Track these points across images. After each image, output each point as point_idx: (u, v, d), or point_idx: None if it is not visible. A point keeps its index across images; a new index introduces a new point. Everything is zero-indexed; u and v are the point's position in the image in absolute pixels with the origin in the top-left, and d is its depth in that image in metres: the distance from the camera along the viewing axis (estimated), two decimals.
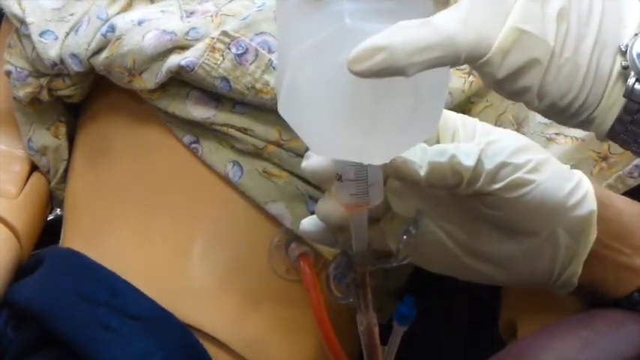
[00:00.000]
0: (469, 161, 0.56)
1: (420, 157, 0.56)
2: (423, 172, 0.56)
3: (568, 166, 0.60)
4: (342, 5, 0.48)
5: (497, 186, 0.56)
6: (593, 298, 0.65)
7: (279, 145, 0.74)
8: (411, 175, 0.56)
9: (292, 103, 0.50)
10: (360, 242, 0.58)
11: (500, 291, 0.78)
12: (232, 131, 0.74)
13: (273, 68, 0.73)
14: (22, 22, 0.81)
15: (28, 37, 0.80)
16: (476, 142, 0.58)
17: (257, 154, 0.75)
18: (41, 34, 0.79)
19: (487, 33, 0.48)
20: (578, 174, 0.60)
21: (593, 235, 0.60)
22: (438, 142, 0.59)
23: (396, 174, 0.56)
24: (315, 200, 0.75)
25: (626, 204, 0.63)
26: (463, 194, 0.57)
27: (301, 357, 0.76)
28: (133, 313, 0.72)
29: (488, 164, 0.56)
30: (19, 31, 0.82)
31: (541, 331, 0.66)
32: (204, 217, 0.76)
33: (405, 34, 0.46)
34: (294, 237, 0.75)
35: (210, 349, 0.73)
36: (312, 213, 0.74)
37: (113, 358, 0.69)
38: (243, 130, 0.74)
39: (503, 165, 0.56)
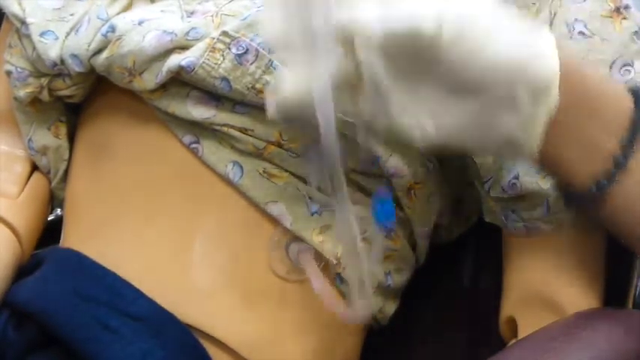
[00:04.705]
0: None
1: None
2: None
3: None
4: None
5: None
6: (560, 184, 0.65)
7: (279, 145, 0.74)
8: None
9: None
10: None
11: (500, 291, 0.78)
12: (232, 131, 0.74)
13: (274, 68, 0.73)
14: (23, 22, 0.81)
15: (29, 37, 0.80)
16: None
17: (257, 154, 0.75)
18: (41, 35, 0.79)
19: None
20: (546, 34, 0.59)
21: (554, 95, 0.59)
22: None
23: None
24: (315, 201, 0.75)
25: (599, 80, 0.63)
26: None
27: (300, 357, 0.76)
28: (133, 313, 0.72)
29: None
30: (20, 32, 0.82)
31: (541, 332, 0.66)
32: (204, 217, 0.76)
33: None
34: (293, 237, 0.75)
35: (210, 349, 0.73)
36: (313, 214, 0.75)
37: (113, 358, 0.69)
38: (244, 131, 0.74)
39: None
